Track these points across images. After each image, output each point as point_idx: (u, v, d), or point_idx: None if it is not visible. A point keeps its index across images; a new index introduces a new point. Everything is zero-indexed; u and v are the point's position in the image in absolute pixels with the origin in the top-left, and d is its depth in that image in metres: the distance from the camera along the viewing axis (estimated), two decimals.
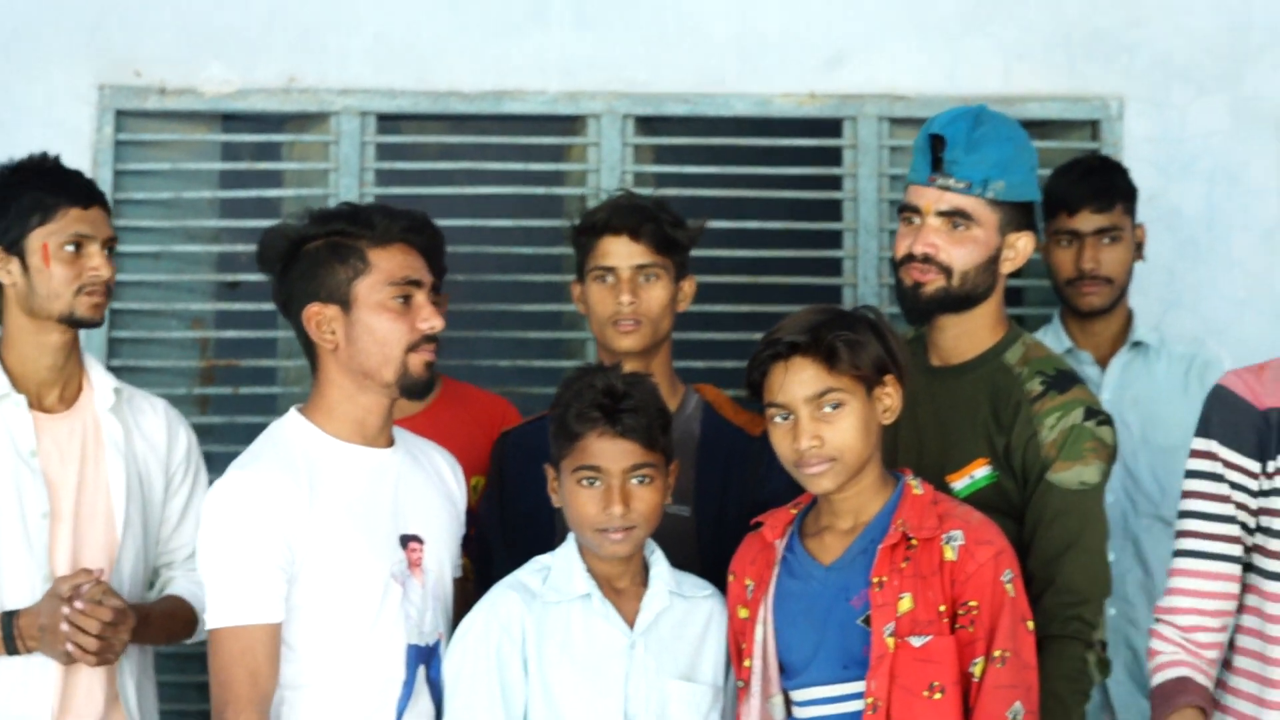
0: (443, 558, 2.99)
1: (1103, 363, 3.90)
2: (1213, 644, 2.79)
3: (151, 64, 4.28)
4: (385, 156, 4.37)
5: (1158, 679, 2.80)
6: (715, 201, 4.41)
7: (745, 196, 4.44)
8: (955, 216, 3.05)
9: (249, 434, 3.23)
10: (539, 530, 3.22)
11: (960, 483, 3.04)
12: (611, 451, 2.88)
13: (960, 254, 3.05)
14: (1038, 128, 4.38)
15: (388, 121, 4.38)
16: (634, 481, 2.87)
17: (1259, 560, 2.76)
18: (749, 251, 4.43)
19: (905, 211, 3.11)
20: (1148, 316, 4.18)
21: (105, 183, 4.19)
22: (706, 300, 4.30)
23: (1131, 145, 4.35)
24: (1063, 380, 3.05)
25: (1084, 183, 3.87)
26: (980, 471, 3.05)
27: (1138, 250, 3.94)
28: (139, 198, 4.27)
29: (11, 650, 2.99)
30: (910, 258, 3.07)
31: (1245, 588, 2.79)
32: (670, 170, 4.42)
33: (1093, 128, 4.39)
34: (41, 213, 3.15)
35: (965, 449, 3.06)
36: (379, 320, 2.89)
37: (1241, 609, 2.79)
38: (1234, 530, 2.77)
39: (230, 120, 4.41)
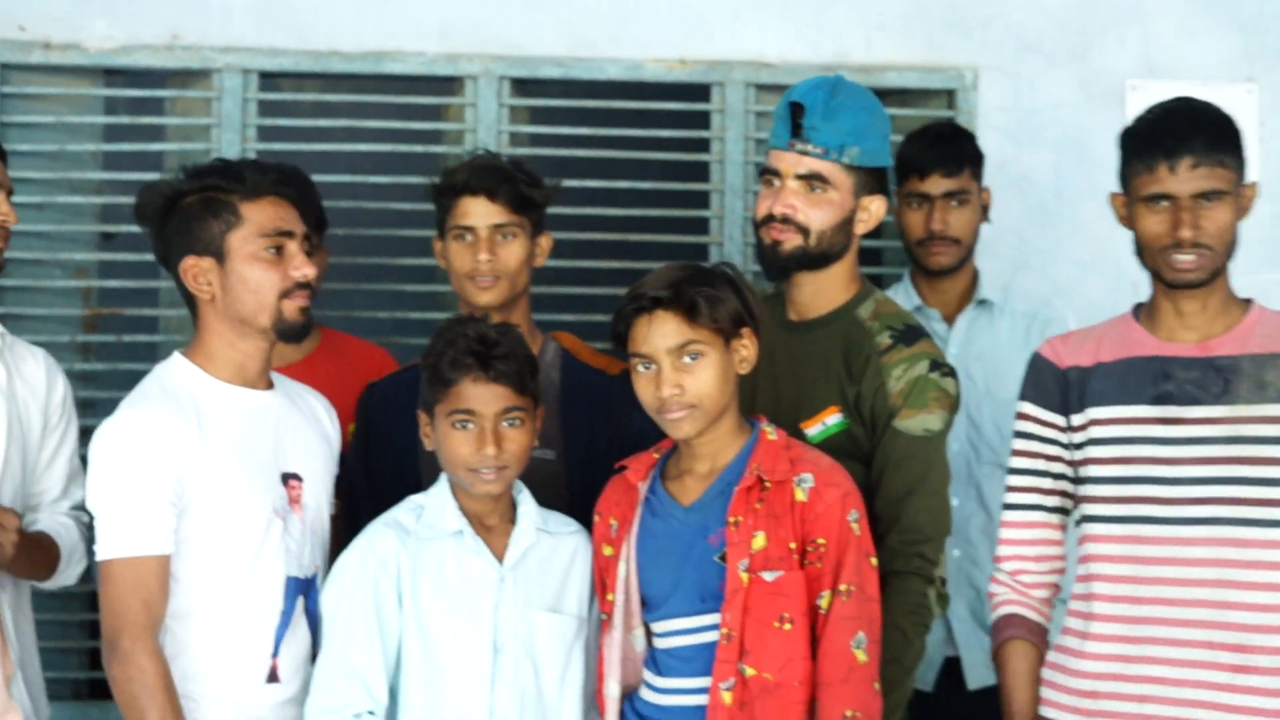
0: (320, 495, 3.11)
1: (950, 319, 4.03)
2: (1039, 584, 3.04)
3: (36, 20, 4.31)
4: (267, 113, 4.42)
5: (993, 617, 3.05)
6: (588, 162, 4.54)
7: (617, 158, 4.55)
8: (813, 180, 3.21)
9: (131, 380, 3.31)
10: (404, 476, 3.33)
11: (814, 429, 3.19)
12: (484, 396, 3.00)
13: (817, 215, 3.21)
14: (897, 96, 4.54)
15: (269, 79, 4.42)
16: (505, 424, 3.00)
17: (1082, 507, 3.00)
18: (620, 210, 4.53)
19: (766, 174, 3.26)
20: (998, 277, 4.34)
21: None
22: (579, 256, 4.46)
23: (985, 114, 4.50)
24: (910, 334, 3.21)
25: (934, 148, 4.00)
26: (833, 419, 3.20)
27: (984, 213, 4.08)
28: (24, 149, 4.29)
29: None
30: (770, 218, 3.22)
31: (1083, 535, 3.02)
32: (545, 131, 4.51)
33: (949, 96, 4.53)
34: None
35: (819, 398, 3.21)
36: (252, 270, 3.00)
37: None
38: (1048, 483, 3.03)
39: (114, 75, 4.44)
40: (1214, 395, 2.91)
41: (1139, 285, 4.43)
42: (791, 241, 3.21)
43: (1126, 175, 2.98)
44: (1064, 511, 3.05)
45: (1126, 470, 2.93)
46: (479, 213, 3.41)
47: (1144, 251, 2.96)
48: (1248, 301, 3.02)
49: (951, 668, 3.92)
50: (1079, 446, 2.98)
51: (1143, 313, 3.05)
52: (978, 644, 3.87)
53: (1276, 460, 2.86)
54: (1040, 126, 4.52)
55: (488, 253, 3.39)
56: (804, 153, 3.21)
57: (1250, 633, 2.83)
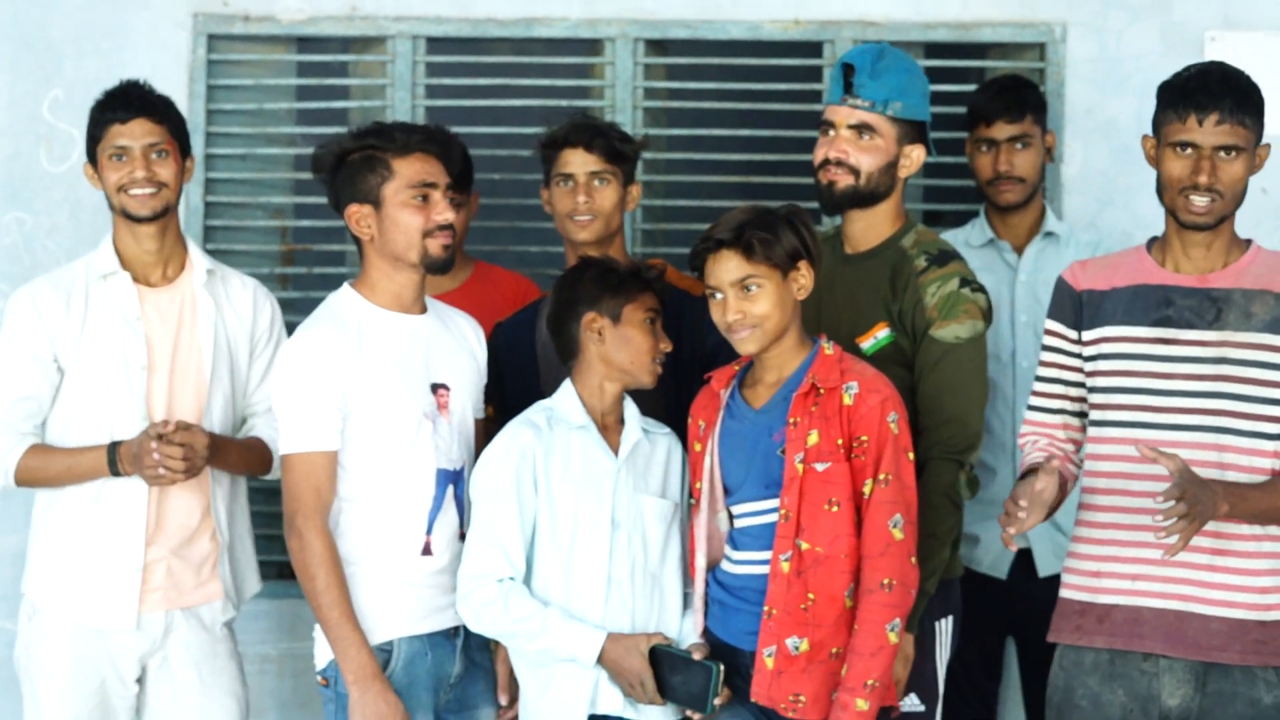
0: (465, 402, 3.69)
1: (1019, 250, 4.50)
2: (1065, 446, 3.55)
3: None
4: (434, 74, 5.03)
5: (1025, 463, 3.54)
6: (715, 113, 5.07)
7: (740, 109, 5.08)
8: (862, 129, 3.75)
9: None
10: (528, 392, 3.86)
11: (867, 343, 3.72)
12: (656, 303, 3.62)
13: (866, 159, 3.75)
14: (992, 49, 5.00)
15: (436, 43, 5.02)
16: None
17: (1090, 414, 3.51)
18: (743, 155, 5.05)
19: (822, 126, 3.80)
20: (1086, 213, 4.81)
21: (199, 97, 4.92)
22: (709, 197, 5.00)
23: (1073, 65, 4.92)
24: (943, 257, 3.73)
25: (999, 98, 4.46)
26: (882, 333, 3.73)
27: (1048, 154, 4.54)
28: (228, 108, 4.98)
29: (114, 472, 3.74)
30: (826, 162, 3.76)
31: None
32: (676, 86, 5.06)
33: (1040, 50, 4.96)
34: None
35: (870, 316, 3.74)
36: (402, 214, 3.60)
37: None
38: (1060, 389, 3.54)
39: (303, 43, 5.08)
40: (1207, 322, 3.40)
41: None
42: (844, 181, 3.75)
43: (1159, 122, 3.45)
44: (1082, 415, 3.56)
45: (1127, 382, 3.43)
46: (577, 162, 3.99)
47: (1164, 190, 3.44)
48: (1248, 242, 3.49)
49: (1024, 558, 4.41)
50: (1090, 359, 3.50)
51: (1155, 246, 3.54)
52: (1048, 536, 4.34)
53: (1256, 381, 3.36)
54: (1124, 76, 4.90)
55: (585, 195, 3.97)
56: (854, 106, 3.75)
57: (1227, 522, 3.31)
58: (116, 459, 3.74)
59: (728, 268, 3.46)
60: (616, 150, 4.00)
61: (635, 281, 3.61)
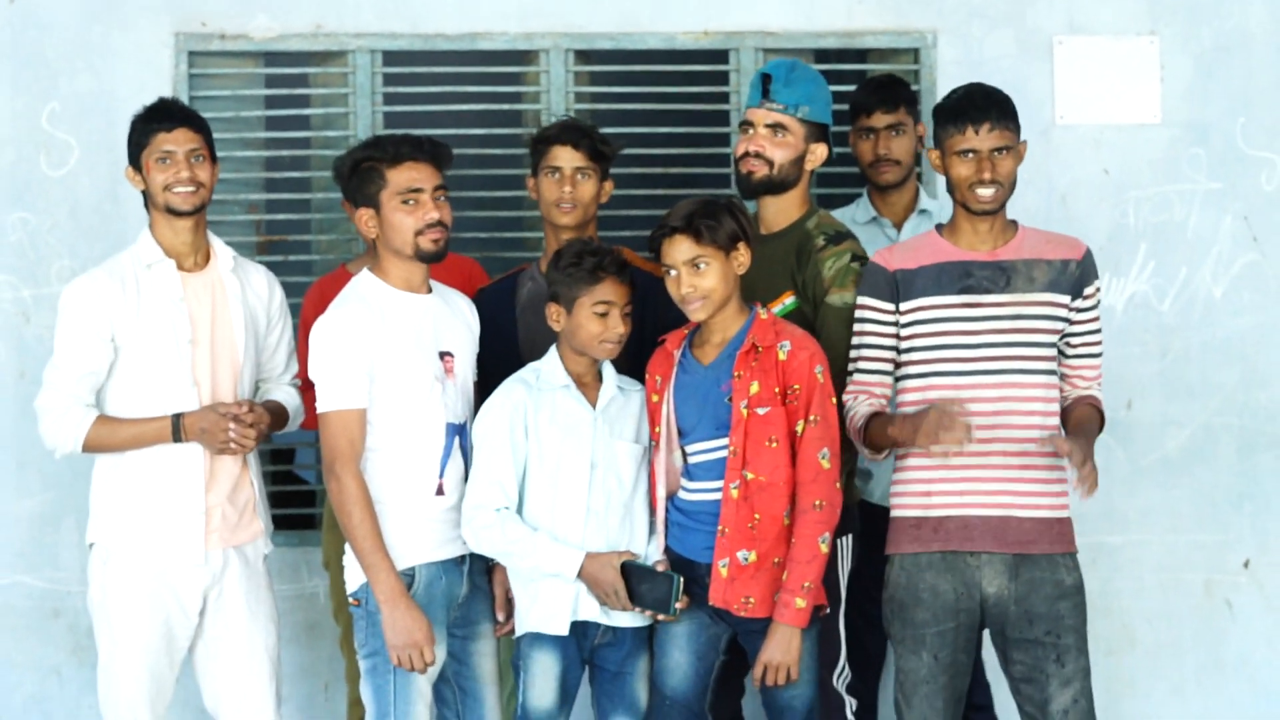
0: (466, 367, 4.30)
1: (898, 225, 5.12)
2: (882, 397, 4.27)
3: (214, 17, 5.53)
4: (390, 84, 5.63)
5: (857, 420, 4.21)
6: (634, 114, 5.70)
7: (657, 109, 5.72)
8: (776, 128, 4.42)
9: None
10: (508, 352, 4.42)
11: (776, 308, 4.31)
12: (619, 291, 4.16)
13: (779, 153, 4.42)
14: (873, 54, 5.72)
15: (391, 57, 5.62)
16: (624, 312, 4.20)
17: (906, 369, 4.24)
18: (659, 150, 5.70)
19: (743, 126, 4.47)
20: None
21: None
22: (630, 187, 5.58)
23: (943, 67, 5.63)
24: (839, 237, 4.39)
25: (876, 92, 5.12)
26: (789, 300, 4.36)
27: (919, 141, 5.18)
28: (208, 116, 5.24)
29: (177, 439, 4.30)
30: (746, 154, 4.43)
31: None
32: (601, 90, 5.71)
33: (914, 54, 5.67)
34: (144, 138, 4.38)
35: (778, 286, 4.36)
36: (395, 216, 4.19)
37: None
38: (878, 354, 4.25)
39: (273, 57, 5.65)
40: (1000, 287, 4.18)
41: (1066, 198, 5.68)
42: (760, 172, 4.42)
43: (942, 137, 4.20)
44: (891, 374, 4.28)
45: (941, 340, 4.18)
46: (565, 157, 4.57)
47: (955, 189, 4.19)
48: (1014, 222, 4.27)
49: None
50: (906, 325, 4.22)
51: (945, 230, 4.28)
52: None
53: (1041, 330, 4.17)
54: (986, 75, 5.08)
55: (570, 186, 4.56)
56: (770, 109, 4.43)
57: (1026, 443, 4.13)
58: (180, 429, 4.31)
59: (680, 249, 4.13)
60: (598, 150, 4.60)
61: (590, 278, 4.18)
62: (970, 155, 4.15)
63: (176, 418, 4.32)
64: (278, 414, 4.54)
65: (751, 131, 4.47)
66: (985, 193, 4.15)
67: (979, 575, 4.16)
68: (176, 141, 4.38)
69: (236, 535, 4.45)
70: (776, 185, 4.46)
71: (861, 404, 4.25)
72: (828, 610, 4.26)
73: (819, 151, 4.50)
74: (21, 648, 5.50)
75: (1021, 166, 5.40)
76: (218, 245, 4.54)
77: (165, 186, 4.38)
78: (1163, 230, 5.72)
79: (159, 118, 4.41)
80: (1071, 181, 5.71)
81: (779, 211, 4.50)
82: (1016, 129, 4.21)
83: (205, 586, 4.40)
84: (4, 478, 5.49)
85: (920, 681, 4.17)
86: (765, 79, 4.47)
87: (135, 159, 4.43)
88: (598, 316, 4.18)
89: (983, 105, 4.16)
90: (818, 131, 4.49)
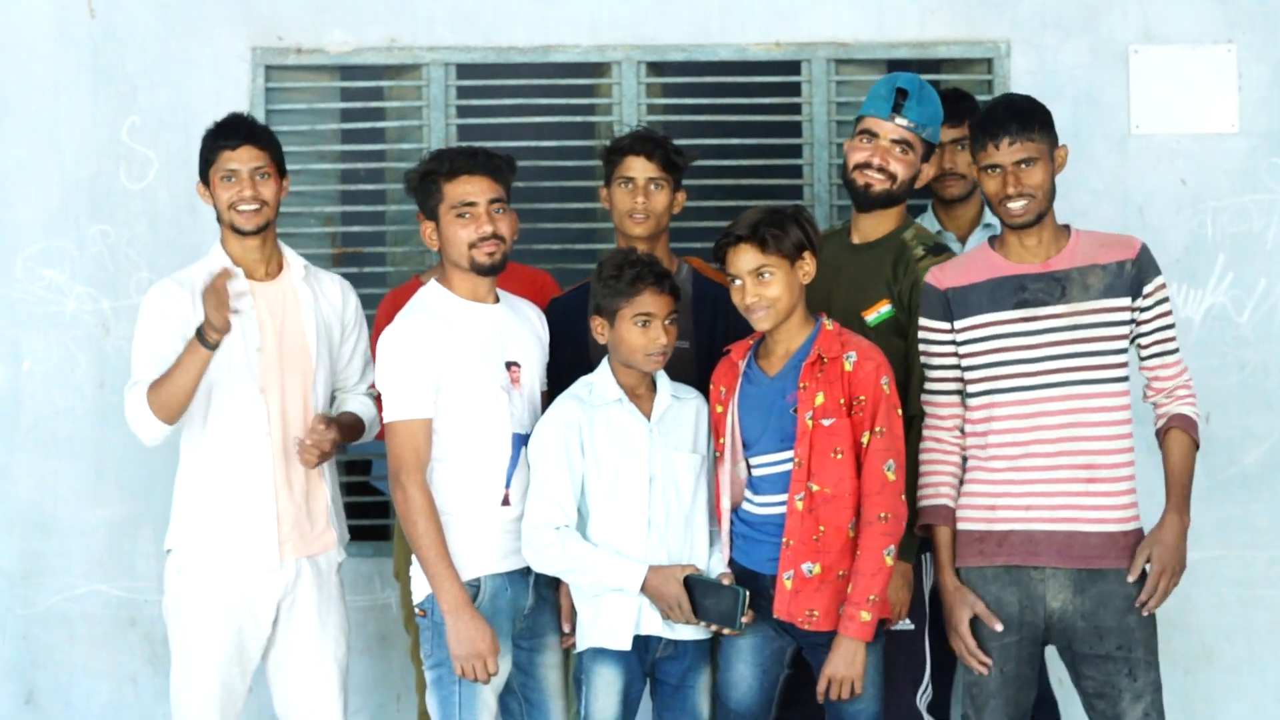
0: (533, 377, 4.30)
1: (963, 240, 5.07)
2: (956, 452, 4.26)
3: (290, 30, 5.60)
4: (463, 96, 5.67)
5: (926, 490, 4.24)
6: (706, 125, 5.72)
7: (729, 120, 5.72)
8: (903, 144, 4.44)
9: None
10: (579, 361, 4.42)
11: (871, 316, 4.36)
12: (659, 302, 4.14)
13: (901, 169, 4.45)
14: (946, 64, 5.68)
15: (465, 69, 5.66)
16: (668, 322, 4.19)
17: (971, 385, 4.22)
18: (734, 161, 5.70)
19: (863, 134, 4.45)
20: None
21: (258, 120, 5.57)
22: (702, 198, 5.60)
23: (1016, 77, 5.60)
24: (937, 249, 4.43)
25: (944, 105, 5.00)
26: (884, 308, 4.38)
27: None
28: (284, 129, 5.48)
29: (204, 344, 4.16)
30: (867, 165, 4.42)
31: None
32: (673, 102, 5.72)
33: (988, 64, 5.65)
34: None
35: (874, 294, 4.39)
36: (450, 229, 4.22)
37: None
38: (945, 374, 4.26)
39: (348, 71, 5.72)
40: (1056, 298, 4.15)
41: (1143, 209, 5.65)
42: (881, 186, 4.44)
43: (974, 152, 4.20)
44: (961, 392, 4.26)
45: (1000, 356, 4.16)
46: (638, 168, 4.59)
47: (990, 203, 4.19)
48: (1067, 228, 4.23)
49: None
50: (963, 344, 4.21)
51: (997, 243, 4.26)
52: None
53: (1102, 337, 4.13)
54: (1060, 86, 5.57)
55: (643, 196, 4.57)
56: (900, 124, 4.44)
57: (1094, 455, 4.11)
58: (204, 337, 4.19)
59: (745, 259, 4.13)
60: (671, 160, 4.62)
61: (629, 289, 4.16)
62: (995, 170, 4.14)
63: (198, 330, 4.25)
64: (352, 426, 4.57)
65: (874, 142, 4.46)
66: (1014, 206, 4.13)
67: (1043, 589, 4.13)
68: (241, 159, 4.42)
69: (310, 545, 4.49)
70: (893, 200, 4.48)
71: (931, 482, 4.24)
72: (893, 625, 4.24)
73: (927, 172, 4.55)
74: (99, 656, 5.58)
75: (1097, 177, 5.60)
76: (290, 255, 4.58)
77: (229, 205, 4.43)
78: (1241, 241, 5.66)
79: (225, 135, 4.45)
80: (1148, 192, 5.66)
81: (878, 223, 4.52)
82: (1045, 138, 4.16)
83: (278, 596, 4.44)
84: (83, 487, 5.57)
85: (989, 695, 4.16)
86: (901, 93, 4.47)
87: (204, 175, 4.48)
88: (639, 328, 4.17)
89: (1001, 119, 4.14)
90: (928, 152, 4.53)
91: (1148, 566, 4.09)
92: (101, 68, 5.61)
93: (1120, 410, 4.15)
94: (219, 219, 4.51)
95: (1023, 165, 4.11)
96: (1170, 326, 4.21)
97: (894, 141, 4.44)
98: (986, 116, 4.17)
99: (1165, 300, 4.19)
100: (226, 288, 4.19)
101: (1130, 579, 4.10)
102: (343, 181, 5.79)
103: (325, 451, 4.38)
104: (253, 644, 4.45)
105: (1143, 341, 4.21)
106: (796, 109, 5.72)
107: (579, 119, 5.75)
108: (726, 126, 5.77)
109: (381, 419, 4.31)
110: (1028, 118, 4.15)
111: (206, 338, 4.21)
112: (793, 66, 5.72)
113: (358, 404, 4.63)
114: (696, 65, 5.73)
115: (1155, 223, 5.61)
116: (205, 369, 4.26)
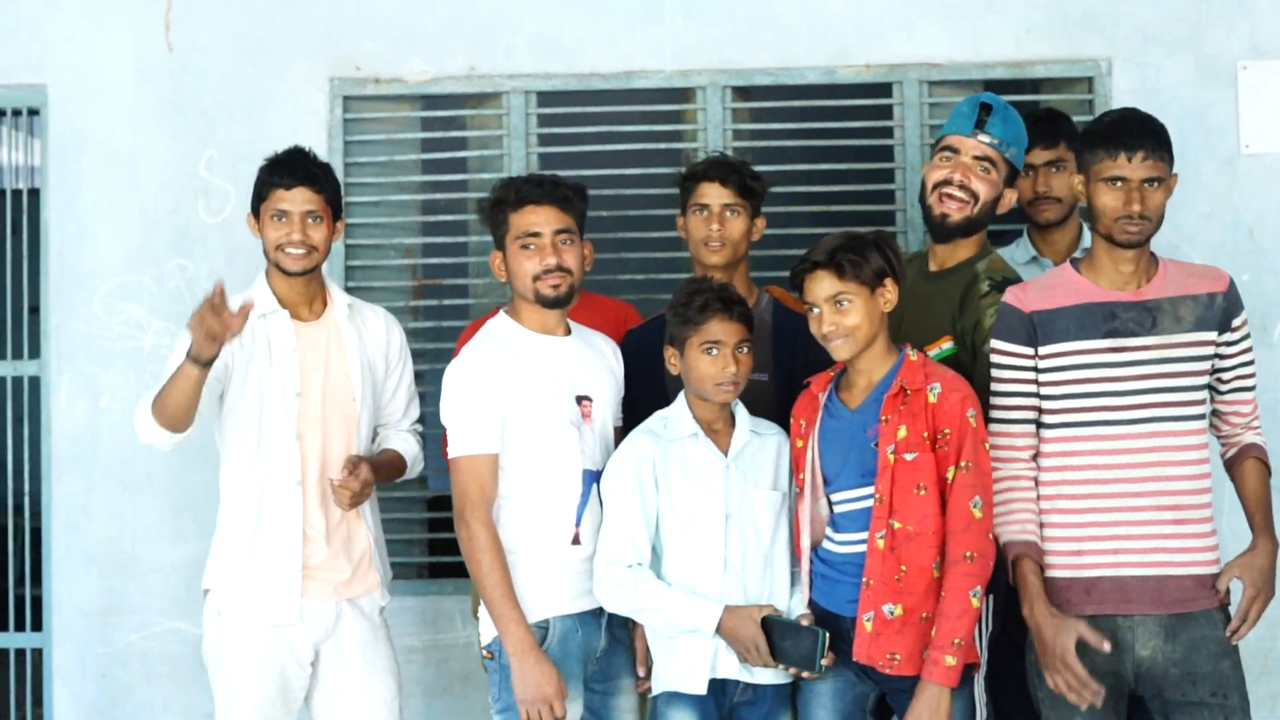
0: (606, 411, 4.19)
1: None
2: (1031, 488, 4.03)
3: (368, 61, 5.54)
4: (545, 124, 5.57)
5: (1011, 528, 4.00)
6: (796, 150, 5.59)
7: (819, 145, 5.58)
8: (985, 161, 4.26)
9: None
10: (654, 398, 4.32)
11: (932, 352, 4.16)
12: (728, 330, 4.03)
13: (983, 188, 4.26)
14: (1045, 84, 5.51)
15: (546, 97, 5.57)
16: (739, 351, 4.07)
17: (1051, 416, 4.02)
18: (824, 187, 5.57)
19: (943, 151, 4.28)
20: None
21: (337, 152, 5.48)
22: (789, 225, 5.46)
23: (1118, 96, 5.39)
24: (1004, 285, 4.19)
25: (1035, 128, 4.79)
26: (946, 345, 4.21)
27: None
28: (363, 161, 5.55)
29: (191, 359, 4.02)
30: (947, 182, 4.25)
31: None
32: (760, 127, 5.58)
33: (1088, 83, 5.46)
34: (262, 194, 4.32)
35: (937, 329, 4.22)
36: (515, 260, 4.13)
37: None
38: (1020, 401, 4.04)
39: (427, 100, 5.64)
40: (1146, 329, 3.95)
41: (1254, 231, 5.43)
42: (960, 214, 4.25)
43: (1088, 162, 3.98)
44: (1036, 422, 4.05)
45: (1086, 388, 3.97)
46: (714, 194, 4.46)
47: (1098, 219, 3.97)
48: (1154, 256, 4.03)
49: None
50: (1045, 371, 4.01)
51: (1083, 265, 4.05)
52: None
53: (1190, 372, 3.94)
54: (1164, 104, 5.30)
55: (719, 224, 4.44)
56: (983, 141, 4.26)
57: (1180, 495, 3.92)
58: (193, 354, 4.05)
59: (822, 286, 3.98)
60: (748, 186, 4.48)
61: (698, 316, 4.04)
62: (1120, 184, 3.93)
63: (188, 353, 4.14)
64: (392, 464, 4.48)
65: (956, 159, 4.30)
66: (1133, 226, 3.93)
67: (1131, 638, 3.95)
68: (294, 201, 4.33)
69: (350, 589, 4.40)
70: (973, 225, 4.30)
71: (1010, 522, 4.03)
72: (978, 671, 4.05)
73: (1009, 197, 4.35)
74: (177, 694, 5.52)
75: (1204, 198, 5.47)
76: (335, 292, 4.50)
77: (277, 245, 4.36)
78: None
79: (281, 173, 4.36)
80: (1259, 213, 5.46)
81: (954, 251, 4.35)
82: (1170, 161, 3.97)
83: (316, 639, 4.36)
84: (160, 525, 5.52)
85: None
86: (984, 108, 4.31)
87: (256, 208, 4.41)
88: (708, 356, 4.04)
89: (1138, 132, 3.94)
90: (1012, 176, 4.34)
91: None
92: (179, 102, 5.57)
93: (1201, 449, 3.97)
94: (265, 253, 4.42)
95: (1149, 184, 3.93)
96: (1252, 363, 4.07)
97: (976, 159, 4.27)
98: (1115, 127, 3.96)
99: (1249, 335, 4.05)
100: (227, 308, 4.03)
101: (1218, 597, 3.94)
102: (423, 213, 5.71)
103: (357, 492, 4.27)
104: (296, 685, 4.36)
105: (1224, 375, 4.04)
106: (888, 132, 5.58)
107: (663, 146, 5.64)
108: (815, 151, 5.63)
109: (446, 455, 4.21)
110: (1160, 135, 3.97)
111: (196, 356, 4.06)
112: (884, 89, 5.58)
113: (400, 441, 4.54)
114: (783, 89, 5.60)
115: (1266, 245, 5.42)
116: (201, 385, 4.13)
